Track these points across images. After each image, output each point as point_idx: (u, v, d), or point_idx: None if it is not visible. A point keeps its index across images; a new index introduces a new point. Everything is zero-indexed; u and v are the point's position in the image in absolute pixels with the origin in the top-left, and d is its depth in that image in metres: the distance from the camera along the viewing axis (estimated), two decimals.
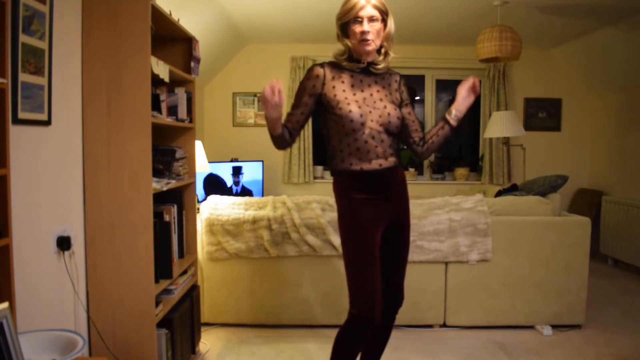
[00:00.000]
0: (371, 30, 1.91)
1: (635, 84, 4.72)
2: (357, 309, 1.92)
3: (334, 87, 1.98)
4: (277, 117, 1.87)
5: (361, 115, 1.93)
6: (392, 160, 2.00)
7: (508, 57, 3.83)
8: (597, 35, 4.60)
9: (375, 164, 1.96)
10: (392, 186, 2.02)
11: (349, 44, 1.97)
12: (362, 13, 1.90)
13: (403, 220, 2.08)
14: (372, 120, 1.95)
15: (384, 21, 1.96)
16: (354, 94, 1.97)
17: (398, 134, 2.05)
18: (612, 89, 5.16)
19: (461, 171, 5.65)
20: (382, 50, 2.01)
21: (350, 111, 1.93)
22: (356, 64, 2.00)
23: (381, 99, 2.00)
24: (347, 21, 1.95)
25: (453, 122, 2.05)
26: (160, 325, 2.22)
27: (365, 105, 1.96)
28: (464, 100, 2.03)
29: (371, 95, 1.99)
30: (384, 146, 1.98)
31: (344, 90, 1.97)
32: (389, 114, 1.98)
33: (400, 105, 2.08)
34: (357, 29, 1.91)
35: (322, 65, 2.02)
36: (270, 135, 1.95)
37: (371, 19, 1.91)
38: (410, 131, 2.13)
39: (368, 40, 1.91)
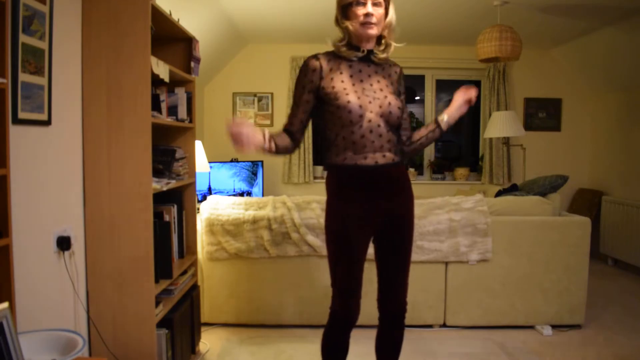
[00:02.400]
0: (375, 14, 1.84)
1: (636, 84, 4.72)
2: (333, 307, 1.97)
3: (332, 78, 1.90)
4: (256, 149, 1.76)
5: (360, 107, 1.85)
6: (390, 156, 1.90)
7: (508, 57, 3.83)
8: (597, 35, 4.60)
9: (370, 160, 1.87)
10: (387, 184, 1.92)
11: (349, 26, 1.88)
12: None
13: (400, 222, 1.97)
14: (371, 112, 1.87)
15: (386, 9, 1.89)
16: (353, 84, 1.89)
17: (398, 127, 1.97)
18: (612, 89, 5.16)
19: (461, 171, 5.65)
20: (383, 41, 1.94)
21: (348, 102, 1.85)
22: (355, 52, 1.91)
23: (382, 89, 1.92)
24: (349, 3, 1.87)
25: (444, 127, 2.00)
26: (160, 325, 2.22)
27: (364, 96, 1.88)
28: (458, 109, 1.97)
29: (371, 85, 1.91)
30: (382, 141, 1.88)
31: (342, 81, 1.89)
32: (389, 103, 1.89)
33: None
34: (360, 11, 1.83)
35: (316, 57, 1.93)
36: (269, 154, 1.87)
37: (375, 3, 1.84)
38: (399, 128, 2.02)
39: (371, 23, 1.84)
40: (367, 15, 1.83)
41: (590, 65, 5.18)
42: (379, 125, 1.88)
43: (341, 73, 1.91)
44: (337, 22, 1.95)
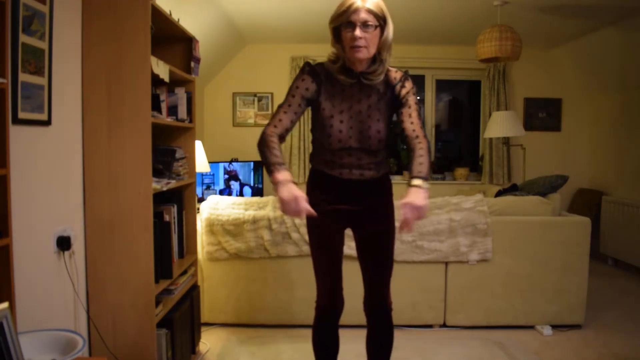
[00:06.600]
0: (364, 36, 1.73)
1: (635, 84, 4.72)
2: (316, 301, 2.06)
3: (328, 95, 1.88)
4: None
5: (340, 132, 1.86)
6: (358, 172, 1.92)
7: (508, 57, 3.83)
8: (597, 35, 4.60)
9: (336, 172, 1.93)
10: (354, 191, 1.95)
11: (340, 49, 1.83)
12: (355, 17, 1.73)
13: (372, 227, 2.00)
14: (350, 137, 1.87)
15: (381, 27, 1.78)
16: (341, 112, 1.87)
17: (384, 146, 1.93)
18: (612, 89, 5.16)
19: (461, 171, 5.65)
20: (377, 59, 1.84)
21: (331, 126, 1.86)
22: (348, 79, 1.85)
23: (369, 115, 1.87)
24: (339, 25, 1.79)
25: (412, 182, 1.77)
26: (160, 325, 2.22)
27: (351, 122, 1.87)
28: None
29: (360, 111, 1.87)
30: (361, 161, 1.92)
31: (333, 105, 1.87)
32: (369, 126, 1.87)
33: (396, 105, 1.90)
34: (349, 34, 1.75)
35: (320, 65, 1.90)
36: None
37: (365, 24, 1.73)
38: (404, 133, 1.89)
39: (360, 47, 1.74)
40: (354, 39, 1.74)
41: (590, 65, 5.18)
42: (356, 149, 1.90)
43: (335, 93, 1.88)
44: (332, 43, 1.89)
